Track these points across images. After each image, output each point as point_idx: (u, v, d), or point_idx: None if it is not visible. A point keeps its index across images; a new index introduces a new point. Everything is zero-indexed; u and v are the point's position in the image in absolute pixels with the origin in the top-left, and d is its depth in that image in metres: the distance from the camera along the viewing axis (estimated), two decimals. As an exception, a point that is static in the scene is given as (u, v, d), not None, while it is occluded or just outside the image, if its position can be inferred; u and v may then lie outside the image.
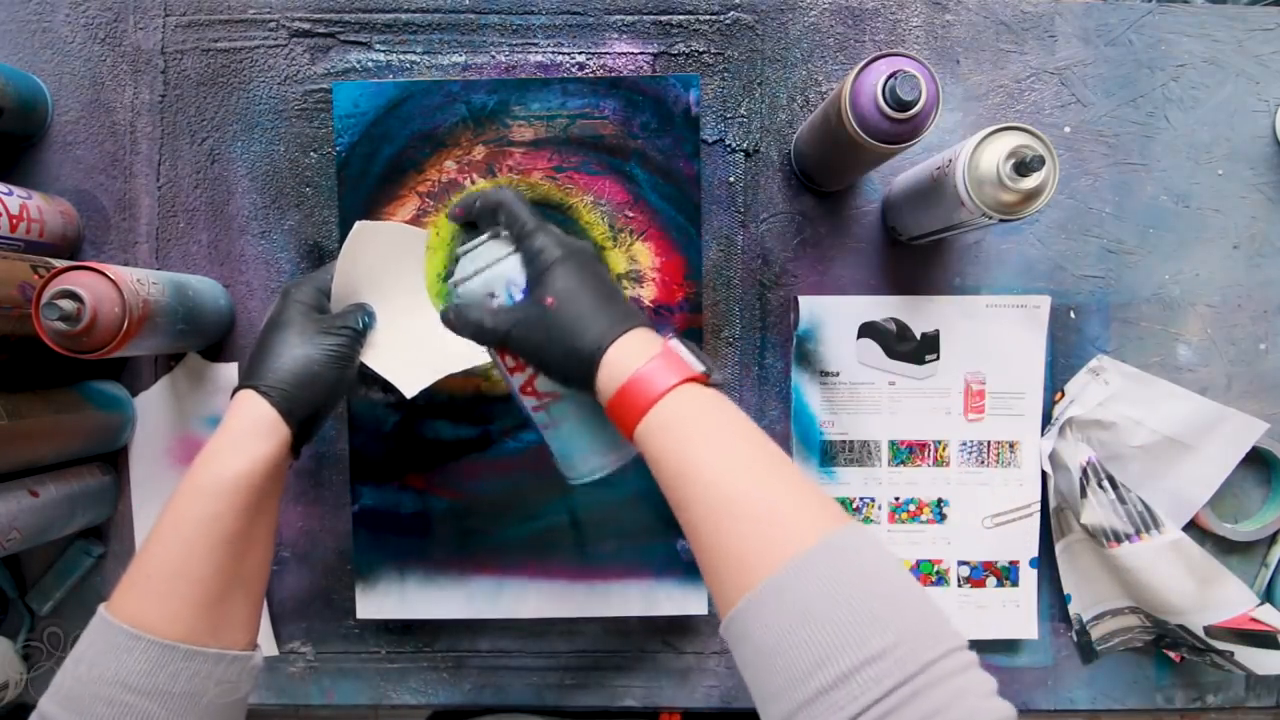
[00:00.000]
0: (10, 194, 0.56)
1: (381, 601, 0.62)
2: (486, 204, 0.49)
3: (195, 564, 0.42)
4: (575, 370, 0.43)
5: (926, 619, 0.34)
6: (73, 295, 0.48)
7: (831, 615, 0.33)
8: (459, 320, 0.48)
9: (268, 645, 0.63)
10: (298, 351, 0.48)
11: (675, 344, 0.43)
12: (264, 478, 0.45)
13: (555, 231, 0.47)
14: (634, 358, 0.41)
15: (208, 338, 0.61)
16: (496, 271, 0.47)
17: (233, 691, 0.43)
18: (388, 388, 0.53)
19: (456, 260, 0.49)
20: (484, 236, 0.48)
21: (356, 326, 0.51)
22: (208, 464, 0.44)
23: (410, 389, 0.53)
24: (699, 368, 0.41)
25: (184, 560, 0.42)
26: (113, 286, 0.49)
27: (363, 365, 0.52)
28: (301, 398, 0.47)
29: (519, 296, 0.47)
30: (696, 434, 0.39)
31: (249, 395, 0.46)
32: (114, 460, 0.63)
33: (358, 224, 0.53)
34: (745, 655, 0.35)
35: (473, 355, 0.59)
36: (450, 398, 0.61)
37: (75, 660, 0.40)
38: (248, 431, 0.45)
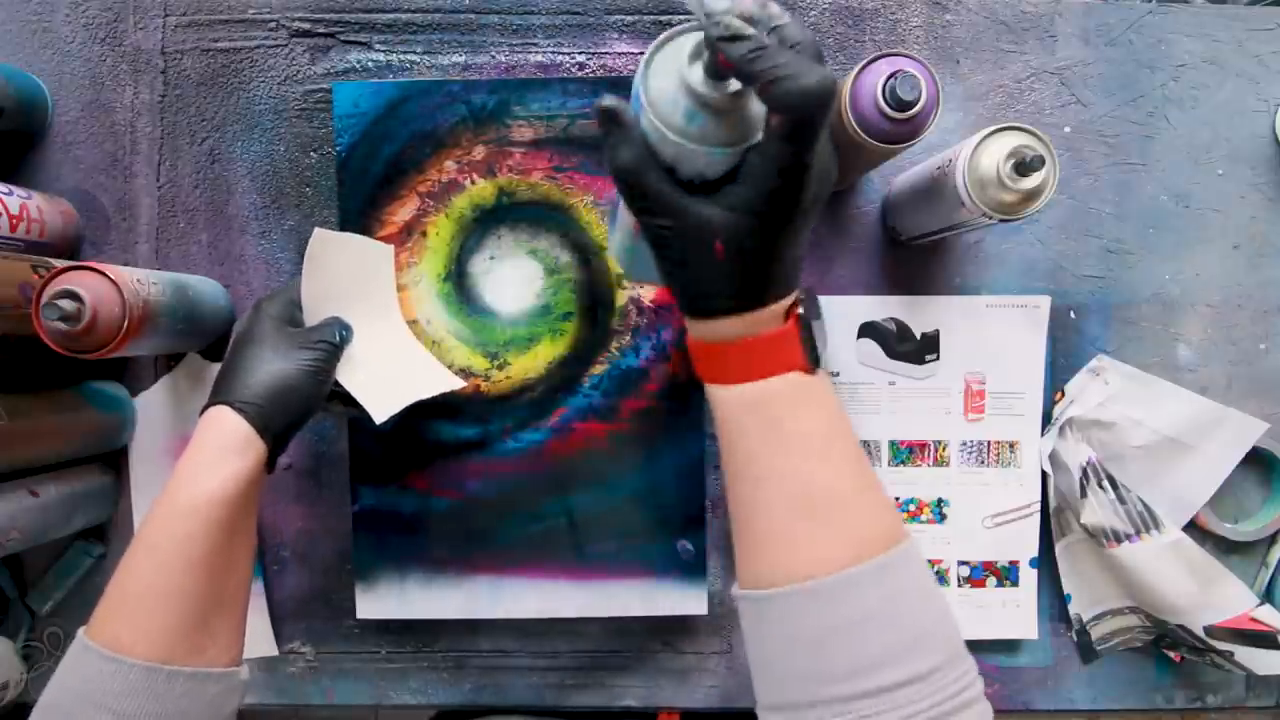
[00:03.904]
0: (10, 194, 0.56)
1: (381, 601, 0.62)
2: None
3: (174, 585, 0.42)
4: (701, 309, 0.37)
5: (958, 645, 0.35)
6: (73, 295, 0.48)
7: (889, 626, 0.34)
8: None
9: (268, 645, 0.63)
10: (274, 366, 0.47)
11: (800, 322, 0.37)
12: (240, 495, 0.44)
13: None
14: (754, 324, 0.36)
15: (208, 338, 0.61)
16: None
17: (219, 709, 0.43)
18: (351, 401, 0.52)
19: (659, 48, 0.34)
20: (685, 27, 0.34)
21: (334, 340, 0.51)
22: (183, 483, 0.44)
23: (380, 414, 0.52)
24: (810, 358, 0.37)
25: (162, 581, 0.42)
26: (113, 286, 0.49)
27: (335, 382, 0.52)
28: (277, 413, 0.46)
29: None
30: (785, 423, 0.36)
31: (223, 411, 0.46)
32: (114, 460, 0.63)
33: (316, 231, 0.52)
34: (770, 632, 0.36)
35: (445, 381, 0.58)
36: (450, 398, 0.61)
37: (55, 687, 0.40)
38: (223, 449, 0.44)
